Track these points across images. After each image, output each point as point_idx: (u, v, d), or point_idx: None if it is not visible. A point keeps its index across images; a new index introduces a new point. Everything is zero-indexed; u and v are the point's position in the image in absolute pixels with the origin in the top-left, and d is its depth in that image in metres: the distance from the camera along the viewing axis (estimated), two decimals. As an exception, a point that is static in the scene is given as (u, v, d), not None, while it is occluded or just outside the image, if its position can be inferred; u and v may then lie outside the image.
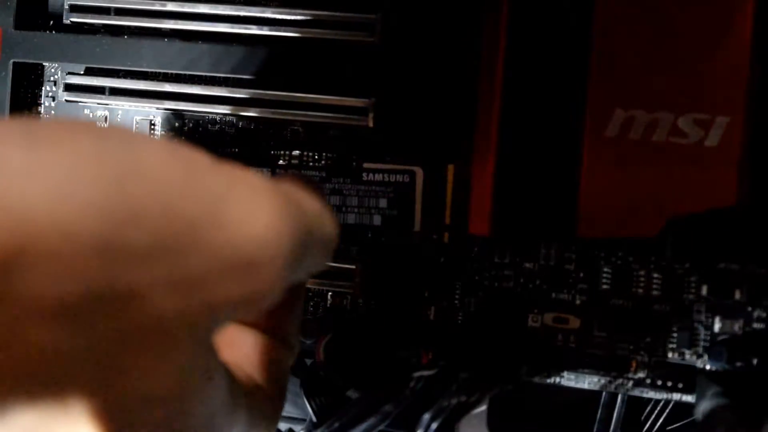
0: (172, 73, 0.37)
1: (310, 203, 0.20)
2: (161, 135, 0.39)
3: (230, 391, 0.19)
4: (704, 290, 0.34)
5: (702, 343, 0.35)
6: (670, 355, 0.35)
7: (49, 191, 0.14)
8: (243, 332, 0.23)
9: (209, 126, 0.39)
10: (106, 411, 0.15)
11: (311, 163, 0.37)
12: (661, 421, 0.36)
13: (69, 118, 0.15)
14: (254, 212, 0.17)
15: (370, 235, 0.36)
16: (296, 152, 0.37)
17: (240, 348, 0.23)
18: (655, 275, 0.35)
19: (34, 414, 0.15)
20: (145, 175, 0.15)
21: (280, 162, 0.37)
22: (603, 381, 0.36)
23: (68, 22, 0.37)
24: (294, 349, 0.24)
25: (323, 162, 0.36)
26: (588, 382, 0.36)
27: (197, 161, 0.17)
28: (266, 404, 0.22)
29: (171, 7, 0.36)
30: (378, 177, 0.35)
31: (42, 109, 0.40)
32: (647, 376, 0.35)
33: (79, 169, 0.14)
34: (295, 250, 0.18)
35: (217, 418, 0.19)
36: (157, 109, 0.38)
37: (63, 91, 0.38)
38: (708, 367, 0.34)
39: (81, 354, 0.15)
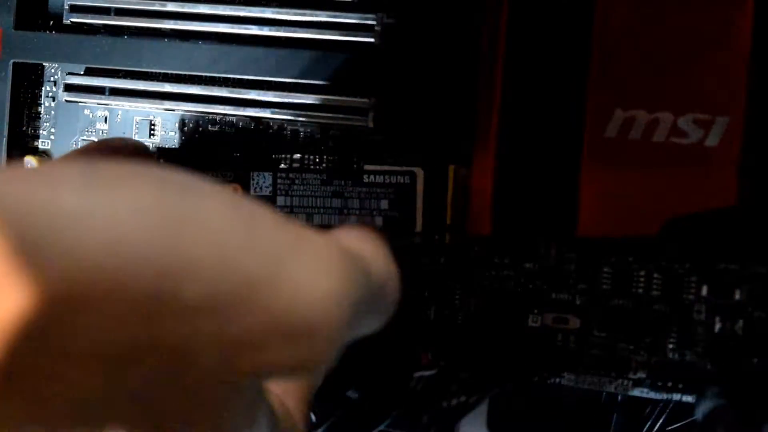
0: (172, 73, 0.37)
1: (376, 262, 0.19)
2: (164, 136, 0.39)
3: (272, 428, 0.19)
4: (704, 290, 0.34)
5: (702, 343, 0.35)
6: (670, 355, 0.35)
7: (103, 238, 0.13)
8: None
9: (209, 126, 0.39)
10: None
11: (312, 166, 0.37)
12: (661, 421, 0.36)
13: (130, 163, 0.15)
14: (316, 277, 0.16)
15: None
16: (297, 155, 0.37)
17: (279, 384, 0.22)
18: (655, 275, 0.35)
19: None
20: (205, 226, 0.15)
21: (282, 165, 0.37)
22: (603, 381, 0.36)
23: (68, 22, 0.37)
24: (320, 377, 0.24)
25: (324, 165, 0.36)
26: (588, 382, 0.36)
27: (261, 216, 0.16)
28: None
29: (171, 7, 0.36)
30: (379, 178, 0.35)
31: (42, 109, 0.40)
32: (647, 376, 0.35)
33: (136, 216, 0.14)
34: (354, 316, 0.17)
35: None
36: (157, 109, 0.38)
37: (63, 91, 0.38)
38: (708, 367, 0.34)
39: (123, 400, 0.15)
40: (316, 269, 0.16)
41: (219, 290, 0.15)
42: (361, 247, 0.19)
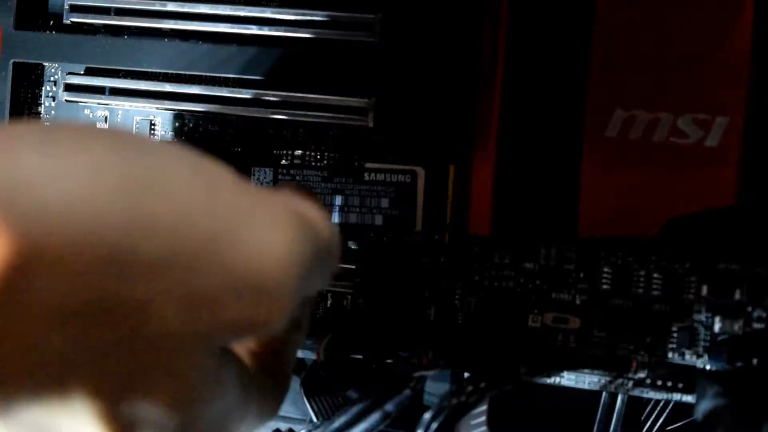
0: (172, 73, 0.37)
1: (321, 222, 0.20)
2: (164, 136, 0.39)
3: (242, 387, 0.19)
4: (704, 290, 0.34)
5: (702, 343, 0.35)
6: (670, 355, 0.35)
7: (64, 199, 0.14)
8: None
9: (209, 126, 0.39)
10: (109, 413, 0.15)
11: (313, 163, 0.37)
12: (661, 421, 0.36)
13: (87, 124, 0.15)
14: (272, 235, 0.17)
15: (372, 235, 0.36)
16: (298, 152, 0.37)
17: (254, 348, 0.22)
18: (655, 275, 0.35)
19: (38, 410, 0.15)
20: (164, 186, 0.15)
21: (283, 162, 0.37)
22: (603, 381, 0.36)
23: (68, 22, 0.37)
24: (304, 331, 0.24)
25: (325, 162, 0.36)
26: (588, 382, 0.36)
27: (220, 177, 0.17)
28: (277, 388, 0.22)
29: (171, 7, 0.36)
30: (380, 177, 0.35)
31: (42, 109, 0.40)
32: (647, 376, 0.35)
33: (95, 178, 0.14)
34: (307, 272, 0.18)
35: (230, 414, 0.19)
36: (157, 109, 0.38)
37: (63, 91, 0.38)
38: (708, 367, 0.34)
39: (84, 357, 0.15)
40: (272, 228, 0.17)
41: (179, 247, 0.15)
42: (305, 207, 0.19)
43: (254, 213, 0.17)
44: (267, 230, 0.17)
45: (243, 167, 0.36)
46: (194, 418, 0.17)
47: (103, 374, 0.15)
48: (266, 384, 0.21)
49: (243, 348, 0.21)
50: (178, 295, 0.15)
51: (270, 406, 0.22)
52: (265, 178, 0.36)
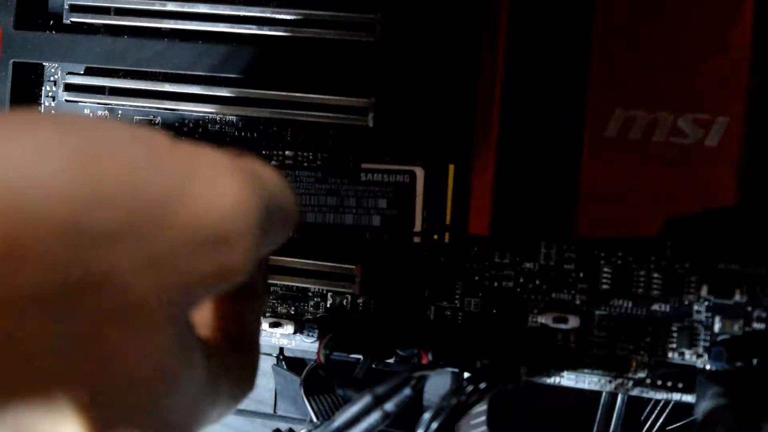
0: (172, 73, 0.37)
1: (270, 177, 0.20)
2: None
3: (210, 369, 0.19)
4: (704, 290, 0.34)
5: (702, 343, 0.35)
6: (670, 355, 0.35)
7: (10, 181, 0.14)
8: (217, 302, 0.23)
9: (209, 126, 0.39)
10: (91, 399, 0.15)
11: (306, 164, 0.37)
12: (661, 421, 0.36)
13: (30, 110, 0.15)
14: (220, 188, 0.17)
15: (368, 236, 0.36)
16: (298, 152, 0.37)
17: (213, 318, 0.22)
18: (655, 275, 0.35)
19: (19, 407, 0.15)
20: (108, 158, 0.15)
21: (273, 162, 0.37)
22: (603, 381, 0.36)
23: (68, 22, 0.37)
24: (265, 299, 0.24)
25: (318, 162, 0.36)
26: (588, 382, 0.36)
27: (159, 142, 0.17)
28: (244, 371, 0.22)
29: (171, 7, 0.36)
30: (377, 177, 0.35)
31: (42, 109, 0.40)
32: (647, 376, 0.35)
33: (40, 157, 0.14)
34: (261, 223, 0.18)
35: (200, 397, 0.19)
36: (157, 109, 0.38)
37: (63, 91, 0.38)
38: (708, 367, 0.34)
39: (61, 343, 0.15)
40: (218, 182, 0.17)
41: (132, 215, 0.15)
42: (252, 164, 0.20)
43: (197, 170, 0.17)
44: (213, 184, 0.17)
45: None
46: (166, 394, 0.17)
47: (81, 358, 0.15)
48: (234, 358, 0.21)
49: (204, 322, 0.22)
50: (140, 260, 0.15)
51: (243, 382, 0.22)
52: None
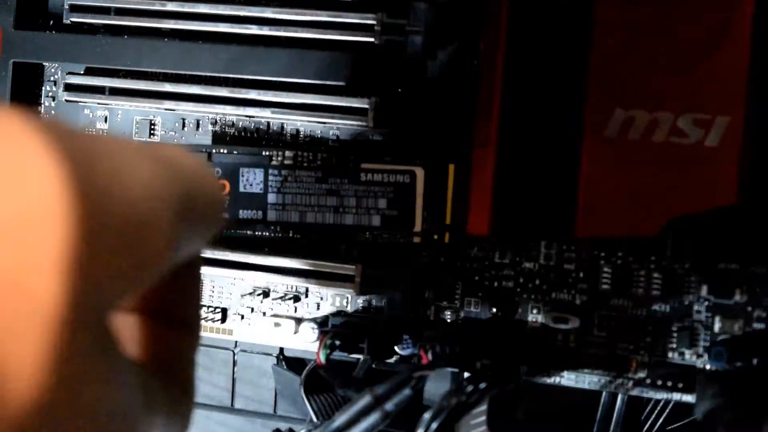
0: (172, 73, 0.37)
1: (187, 162, 0.19)
2: (164, 136, 0.39)
3: (144, 390, 0.17)
4: (704, 290, 0.34)
5: (702, 343, 0.35)
6: (670, 355, 0.35)
7: None
8: (141, 324, 0.21)
9: (209, 126, 0.39)
10: None
11: (306, 164, 0.37)
12: (661, 421, 0.36)
13: None
14: (128, 174, 0.16)
15: (368, 236, 0.36)
16: (298, 152, 0.37)
17: (140, 342, 0.21)
18: (655, 275, 0.35)
19: None
20: None
21: (273, 162, 0.37)
22: (603, 381, 0.36)
23: (68, 22, 0.37)
24: (196, 332, 0.22)
25: (318, 162, 0.36)
26: (588, 382, 0.36)
27: (54, 127, 0.15)
28: (180, 402, 0.20)
29: (171, 7, 0.36)
30: (377, 177, 0.35)
31: (42, 109, 0.40)
32: (647, 376, 0.35)
33: None
34: (178, 209, 0.17)
35: (135, 409, 0.17)
36: (157, 109, 0.38)
37: (63, 91, 0.38)
38: (708, 367, 0.34)
39: None
40: (125, 169, 0.16)
41: (28, 211, 0.14)
42: (166, 148, 0.19)
43: (105, 156, 0.16)
44: (118, 169, 0.16)
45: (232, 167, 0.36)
46: (88, 413, 0.15)
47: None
48: (168, 390, 0.20)
49: (137, 347, 0.20)
50: (43, 260, 0.13)
51: (178, 416, 0.20)
52: (254, 178, 0.35)
